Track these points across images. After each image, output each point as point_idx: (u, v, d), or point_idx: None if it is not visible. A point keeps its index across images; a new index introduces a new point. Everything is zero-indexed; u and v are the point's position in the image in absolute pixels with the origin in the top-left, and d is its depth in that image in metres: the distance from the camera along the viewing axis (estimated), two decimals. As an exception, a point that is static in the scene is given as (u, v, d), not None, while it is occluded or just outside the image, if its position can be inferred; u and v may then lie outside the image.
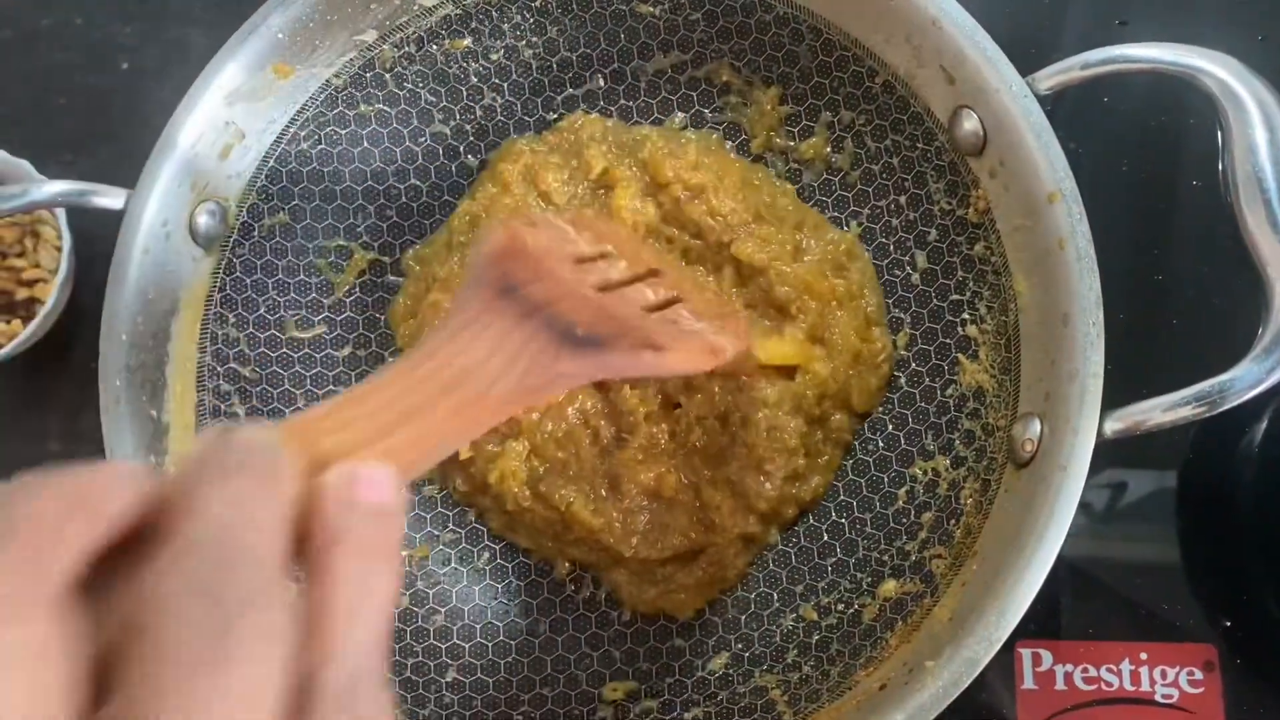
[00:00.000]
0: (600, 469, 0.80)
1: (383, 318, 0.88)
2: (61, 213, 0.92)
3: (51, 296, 0.91)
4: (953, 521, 0.80)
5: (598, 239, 0.66)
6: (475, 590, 0.86)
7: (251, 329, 0.84)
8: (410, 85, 0.87)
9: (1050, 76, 0.77)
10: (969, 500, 0.77)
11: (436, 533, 0.87)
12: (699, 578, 0.80)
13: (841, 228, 0.87)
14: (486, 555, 0.87)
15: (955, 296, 0.81)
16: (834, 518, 0.84)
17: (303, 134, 0.85)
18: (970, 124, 0.80)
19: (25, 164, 0.93)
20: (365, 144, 0.88)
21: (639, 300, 0.63)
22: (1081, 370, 0.71)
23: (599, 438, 0.81)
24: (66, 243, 0.92)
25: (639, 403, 0.84)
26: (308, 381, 0.87)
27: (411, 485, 0.88)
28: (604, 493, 0.79)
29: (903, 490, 0.81)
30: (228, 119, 0.85)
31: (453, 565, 0.87)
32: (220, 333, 0.83)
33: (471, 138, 0.89)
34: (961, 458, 0.79)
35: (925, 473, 0.81)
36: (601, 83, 0.89)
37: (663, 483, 0.79)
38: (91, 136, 1.01)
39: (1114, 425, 0.70)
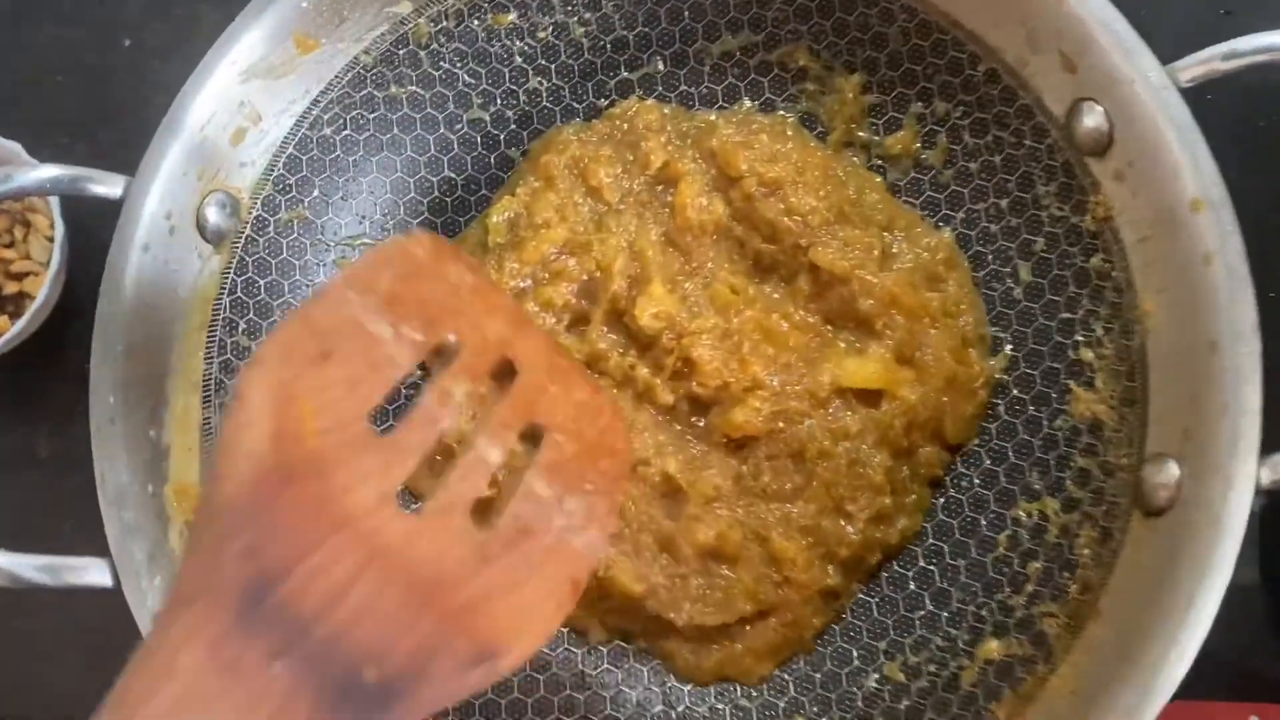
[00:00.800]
0: (647, 524, 0.73)
1: None
2: (55, 201, 0.85)
3: (42, 291, 0.84)
4: (1065, 574, 0.71)
5: (426, 309, 0.52)
6: None
7: (264, 336, 0.76)
8: (447, 65, 0.80)
9: (1191, 67, 0.67)
10: (1085, 551, 0.70)
11: None
12: (770, 640, 0.73)
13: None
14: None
15: (1066, 315, 0.73)
16: (922, 564, 0.76)
17: (326, 117, 0.78)
18: (1093, 119, 0.70)
19: (16, 146, 0.87)
20: (395, 130, 0.81)
21: (472, 489, 0.50)
22: (1233, 406, 0.61)
23: (646, 489, 0.74)
24: (59, 233, 0.85)
25: (707, 447, 0.75)
26: None
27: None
28: (649, 554, 0.72)
29: (1003, 535, 0.74)
30: (242, 98, 0.75)
31: None
32: (230, 341, 0.75)
33: (513, 125, 0.82)
34: (1074, 500, 0.71)
35: (1030, 516, 0.73)
36: (661, 66, 0.82)
37: (725, 542, 0.72)
38: (90, 118, 0.94)
39: (1272, 474, 0.60)
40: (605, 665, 0.77)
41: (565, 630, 0.79)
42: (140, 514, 0.68)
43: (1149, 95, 0.68)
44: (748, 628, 0.73)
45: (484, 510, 0.51)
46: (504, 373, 0.55)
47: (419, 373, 0.63)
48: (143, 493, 0.70)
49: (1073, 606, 0.69)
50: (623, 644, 0.77)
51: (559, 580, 0.50)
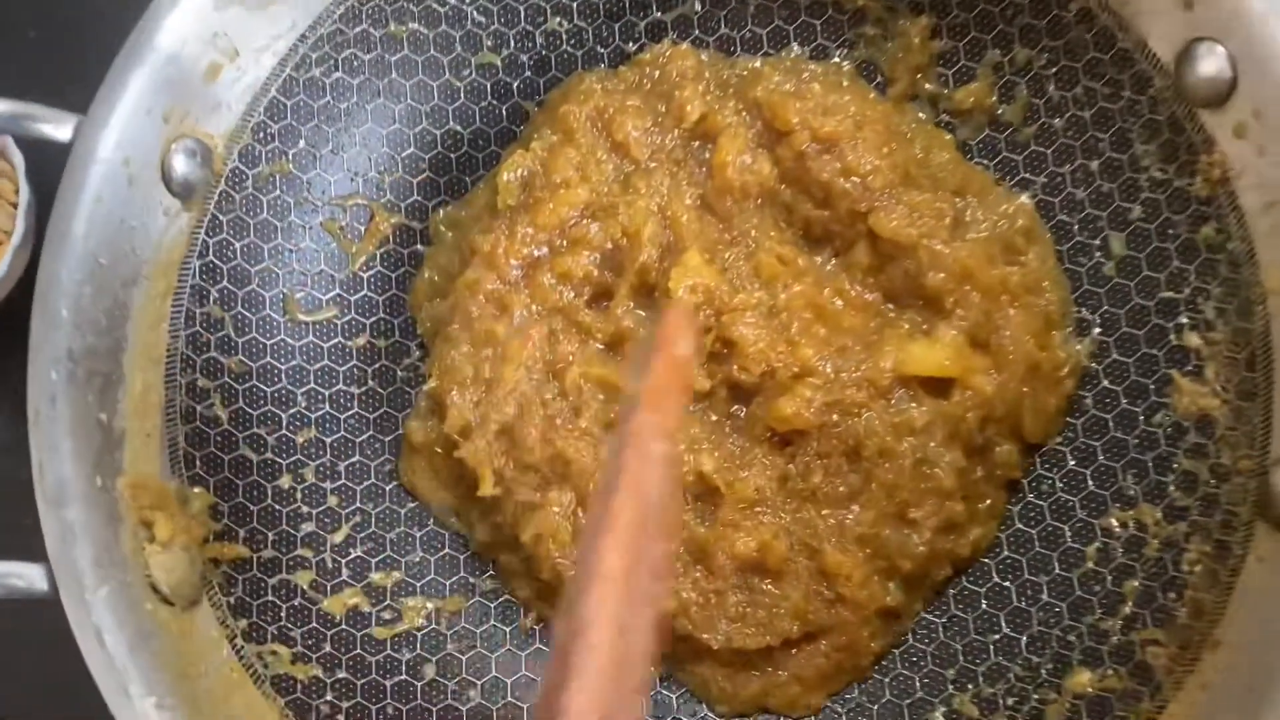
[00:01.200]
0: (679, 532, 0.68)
1: (408, 298, 0.76)
2: (20, 163, 0.77)
3: (3, 262, 0.76)
4: (1171, 595, 0.63)
5: None
6: (521, 658, 0.71)
7: (240, 308, 0.71)
8: (454, 0, 0.74)
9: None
10: (1195, 568, 0.63)
11: (472, 579, 0.73)
12: (820, 667, 0.68)
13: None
14: (536, 612, 0.73)
15: (1167, 294, 0.67)
16: (996, 580, 0.70)
17: (314, 56, 0.72)
18: (1211, 64, 0.62)
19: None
20: (394, 74, 0.75)
21: None
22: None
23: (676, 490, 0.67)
24: (24, 199, 0.77)
25: (748, 442, 0.69)
26: (311, 378, 0.73)
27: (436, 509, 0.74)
28: (680, 566, 0.68)
29: (1092, 548, 0.67)
30: (217, 29, 0.67)
31: (492, 623, 0.73)
32: (200, 312, 0.69)
33: (529, 72, 0.77)
34: (1180, 509, 0.64)
35: (1124, 526, 0.67)
36: (698, 5, 0.76)
37: (768, 553, 0.67)
38: (39, 51, 0.85)
39: None
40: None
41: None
42: (86, 512, 0.61)
43: (1285, 33, 0.58)
44: (794, 652, 0.68)
45: None
46: None
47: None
48: (89, 487, 0.61)
49: (1182, 634, 0.61)
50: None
51: None
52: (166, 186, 0.66)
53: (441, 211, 0.76)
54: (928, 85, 0.74)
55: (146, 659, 0.60)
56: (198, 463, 0.68)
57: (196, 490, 0.67)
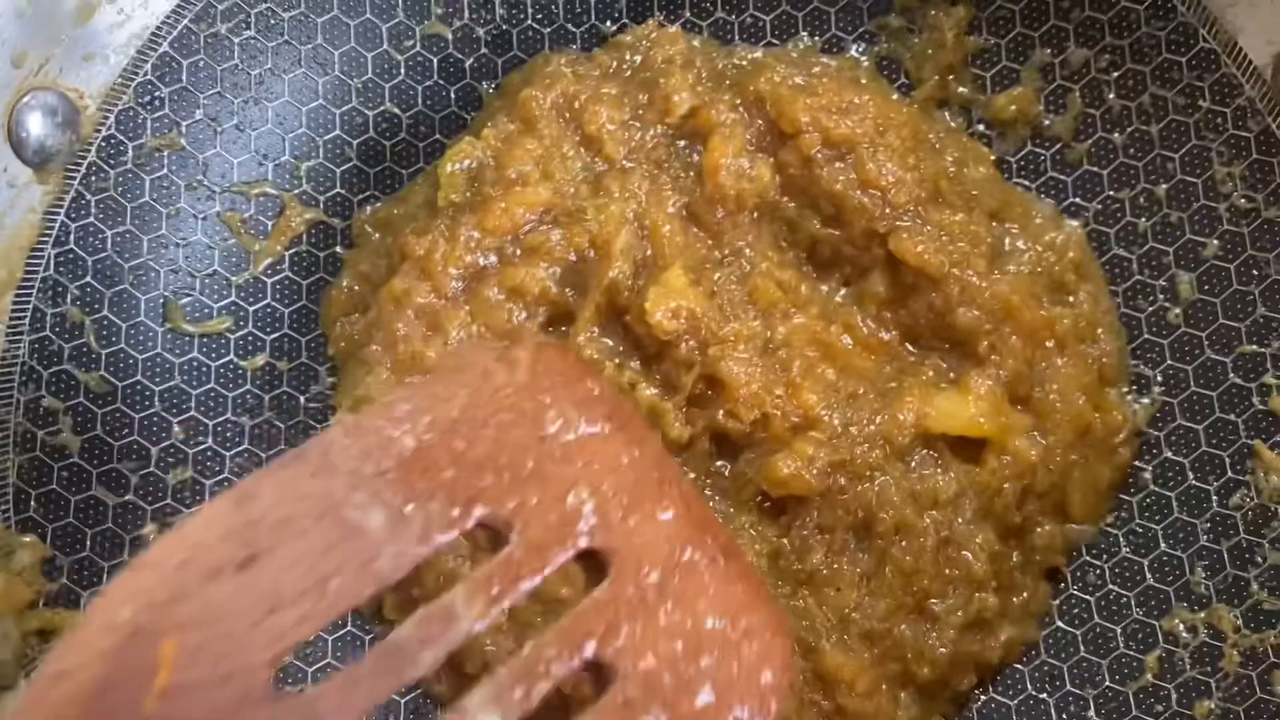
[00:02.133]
0: None
1: (321, 311, 0.71)
2: None
3: None
4: None
5: (477, 475, 0.42)
6: None
7: (107, 311, 0.65)
8: None
9: None
10: None
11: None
12: None
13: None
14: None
15: (1249, 347, 0.62)
16: (1031, 691, 0.64)
17: (221, 8, 0.67)
18: None
19: None
20: (320, 39, 0.69)
21: None
22: None
23: None
24: None
25: (733, 507, 0.64)
26: (192, 404, 0.67)
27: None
28: None
29: (1152, 656, 0.62)
30: None
31: None
32: (52, 313, 0.63)
33: (485, 49, 0.71)
34: (1266, 613, 0.60)
35: (1194, 631, 0.62)
36: None
37: None
38: None
39: None
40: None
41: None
42: None
43: None
44: None
45: None
46: (591, 568, 0.44)
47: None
48: None
49: None
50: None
51: None
52: (15, 150, 0.61)
53: (369, 209, 0.71)
54: (961, 89, 0.70)
55: None
56: (32, 503, 0.62)
57: (27, 539, 0.61)
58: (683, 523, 0.46)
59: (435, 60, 0.70)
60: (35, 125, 0.61)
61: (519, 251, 0.65)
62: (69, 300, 0.63)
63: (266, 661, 0.37)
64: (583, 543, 0.43)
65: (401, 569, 0.40)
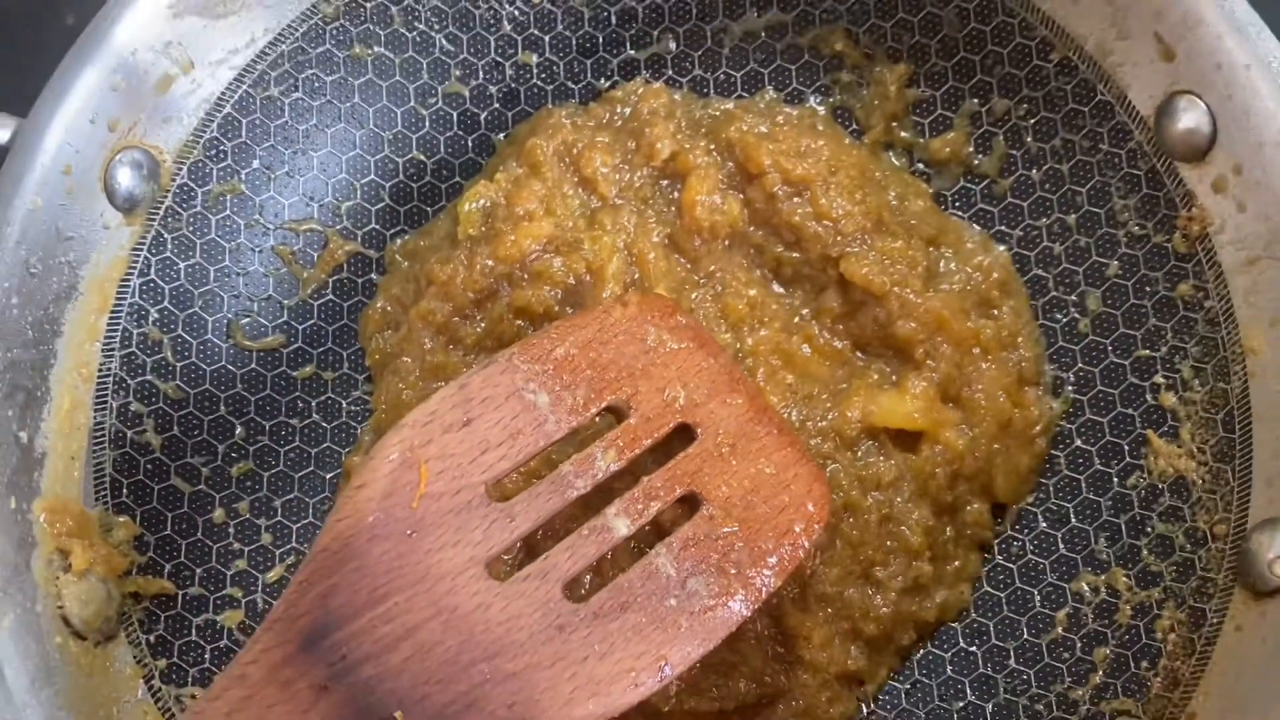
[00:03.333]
0: None
1: (359, 328, 0.74)
2: None
3: None
4: (1144, 665, 0.61)
5: (602, 373, 0.57)
6: None
7: (181, 331, 0.69)
8: (423, 26, 0.73)
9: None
10: (1170, 636, 0.60)
11: None
12: None
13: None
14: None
15: (1143, 352, 0.65)
16: (962, 645, 0.67)
17: (274, 74, 0.70)
18: (1191, 117, 0.61)
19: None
20: (357, 98, 0.73)
21: (577, 562, 0.54)
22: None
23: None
24: None
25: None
26: (252, 408, 0.70)
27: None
28: None
29: (1062, 613, 0.66)
30: (171, 38, 0.65)
31: None
32: (138, 332, 0.67)
33: (496, 104, 0.75)
34: (1153, 574, 0.63)
35: (1096, 591, 0.65)
36: (673, 45, 0.74)
37: None
38: None
39: None
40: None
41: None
42: (-4, 533, 0.57)
43: (1268, 85, 0.57)
44: (753, 715, 0.64)
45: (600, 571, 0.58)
46: (682, 437, 0.58)
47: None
48: (1, 507, 0.57)
49: (1157, 705, 0.59)
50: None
51: (643, 660, 0.52)
52: (109, 199, 0.64)
53: (399, 241, 0.74)
54: (903, 133, 0.73)
55: (49, 696, 0.56)
56: (125, 490, 0.65)
57: (121, 519, 0.64)
58: (747, 407, 0.59)
59: (455, 114, 0.74)
60: (125, 178, 0.64)
61: (526, 276, 0.68)
62: (150, 322, 0.66)
63: (482, 481, 0.53)
64: (678, 418, 0.57)
65: (561, 431, 0.55)
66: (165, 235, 0.67)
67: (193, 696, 0.63)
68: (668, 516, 0.57)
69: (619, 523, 0.55)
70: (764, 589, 0.55)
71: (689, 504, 0.56)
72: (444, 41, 0.73)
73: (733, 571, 0.55)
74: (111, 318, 0.65)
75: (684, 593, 0.53)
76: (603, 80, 0.75)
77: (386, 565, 0.50)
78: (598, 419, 0.57)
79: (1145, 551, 0.63)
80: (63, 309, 0.62)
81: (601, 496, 0.56)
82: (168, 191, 0.67)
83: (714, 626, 0.53)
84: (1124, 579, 0.63)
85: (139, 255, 0.66)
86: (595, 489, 0.55)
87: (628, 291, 0.65)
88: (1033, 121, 0.69)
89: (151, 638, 0.63)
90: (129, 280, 0.66)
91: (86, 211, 0.63)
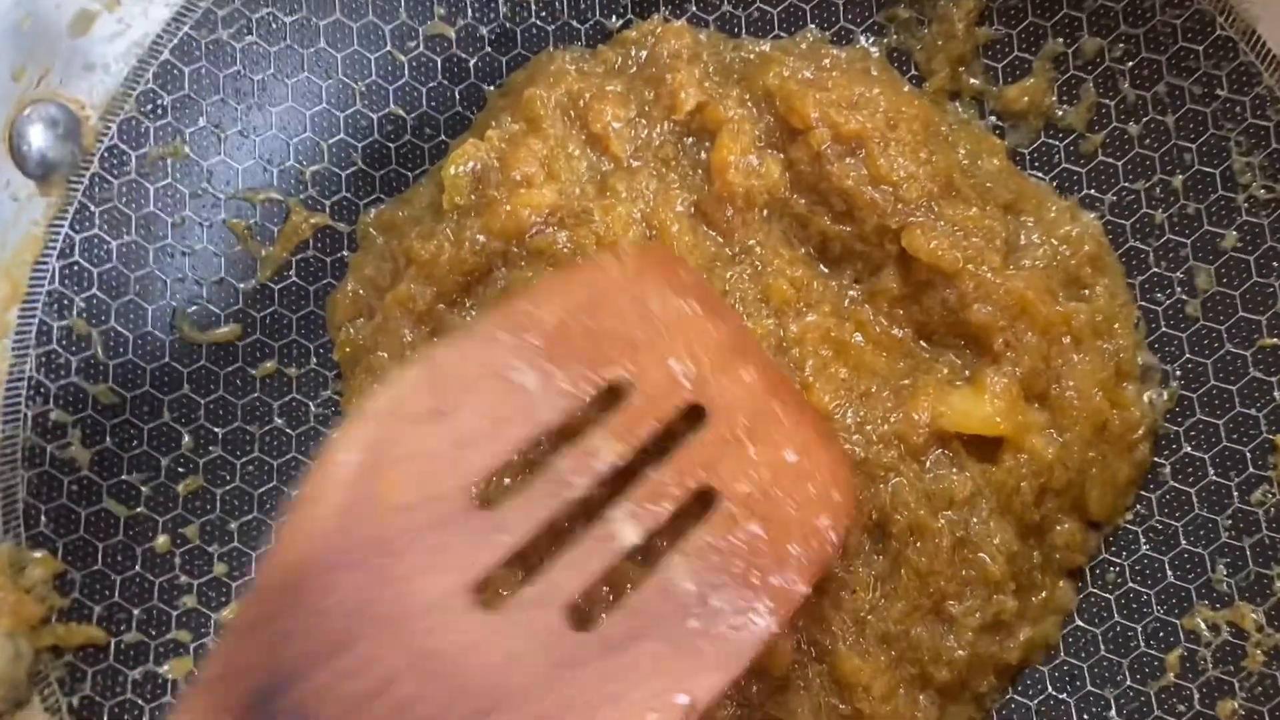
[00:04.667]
0: None
1: (327, 315, 0.70)
2: None
3: None
4: None
5: (600, 345, 0.52)
6: None
7: (114, 323, 0.64)
8: None
9: None
10: None
11: None
12: None
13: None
14: None
15: (1269, 340, 0.61)
16: (1051, 691, 0.62)
17: (221, 14, 0.66)
18: None
19: None
20: (322, 43, 0.68)
21: (580, 580, 0.48)
22: None
23: None
24: None
25: None
26: (202, 413, 0.66)
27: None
28: None
29: (1174, 655, 0.61)
30: None
31: None
32: (59, 326, 0.62)
33: (488, 47, 0.70)
34: None
35: (1215, 629, 0.60)
36: None
37: (771, 655, 0.58)
38: None
39: None
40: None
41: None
42: None
43: None
44: None
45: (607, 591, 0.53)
46: (692, 419, 0.53)
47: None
48: None
49: None
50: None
51: (662, 700, 0.47)
52: (17, 164, 0.60)
53: (373, 211, 0.69)
54: (972, 80, 0.68)
55: None
56: (42, 519, 0.61)
57: (38, 555, 0.60)
58: (763, 381, 0.55)
59: (439, 60, 0.69)
60: (37, 138, 0.60)
61: (525, 254, 0.64)
62: (75, 313, 0.62)
63: (461, 486, 0.47)
64: (688, 396, 0.52)
65: (554, 416, 0.49)
66: (91, 208, 0.63)
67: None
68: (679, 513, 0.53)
69: (626, 528, 0.49)
70: (794, 598, 0.50)
71: (703, 500, 0.52)
72: (426, -28, 0.68)
73: (757, 581, 0.50)
74: (24, 310, 0.61)
75: (706, 610, 0.49)
76: (614, 18, 0.70)
77: (346, 603, 0.44)
78: (593, 399, 0.52)
79: (1279, 583, 0.59)
80: (-42, 299, 0.57)
81: (603, 493, 0.51)
82: (93, 155, 0.63)
83: (741, 649, 0.49)
84: (1252, 616, 0.59)
85: (58, 232, 0.62)
86: (596, 486, 0.50)
87: (620, 246, 0.61)
88: (1131, 65, 0.65)
89: (75, 700, 0.59)
90: (45, 263, 0.62)
91: (-11, 179, 0.58)
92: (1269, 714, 0.57)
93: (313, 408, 0.67)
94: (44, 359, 0.61)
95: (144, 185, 0.64)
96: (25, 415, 0.60)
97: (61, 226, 0.62)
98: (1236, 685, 0.58)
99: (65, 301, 0.62)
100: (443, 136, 0.70)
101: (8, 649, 0.54)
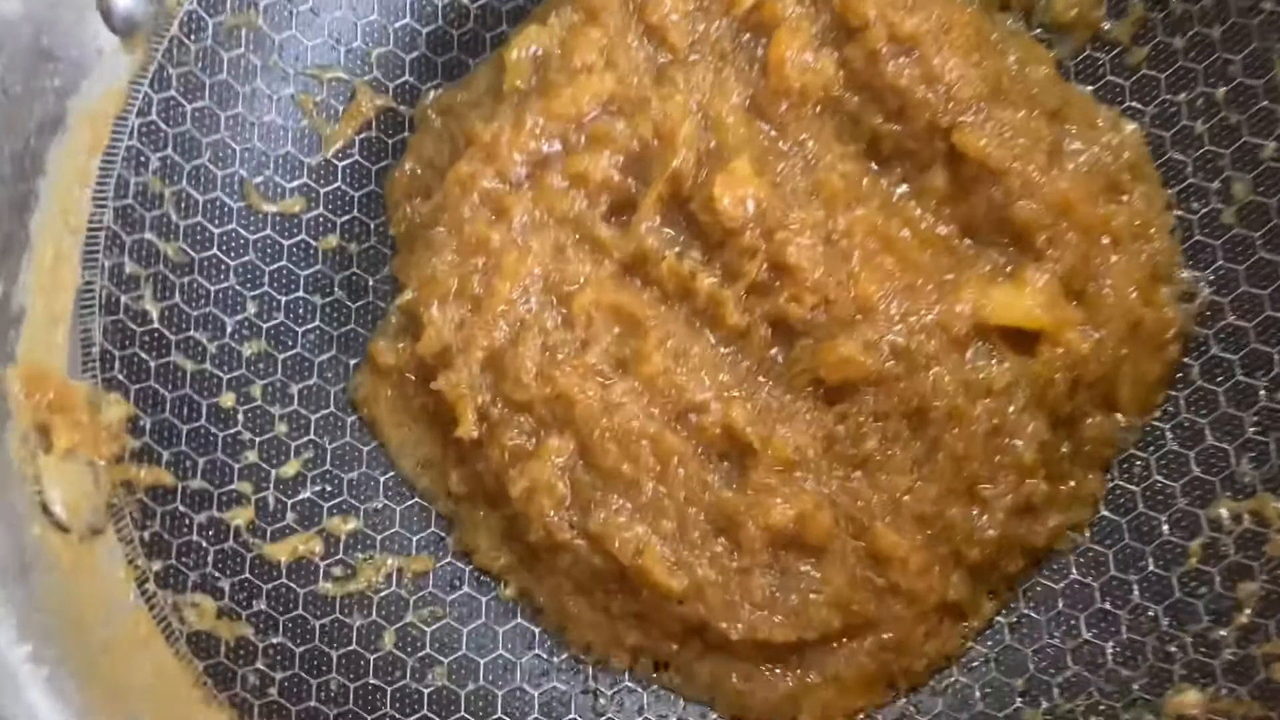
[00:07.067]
0: (700, 497, 0.61)
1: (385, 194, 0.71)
2: None
3: None
4: None
5: None
6: (498, 635, 0.64)
7: (186, 184, 0.64)
8: None
9: None
10: None
11: (444, 536, 0.65)
12: (863, 669, 0.61)
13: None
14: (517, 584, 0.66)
15: None
16: (1076, 576, 0.63)
17: None
18: None
19: None
20: None
21: None
22: None
23: (700, 445, 0.61)
24: None
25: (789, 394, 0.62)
26: (266, 280, 0.66)
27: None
28: (698, 536, 0.60)
29: (1196, 542, 0.61)
30: None
31: (465, 590, 0.65)
32: (135, 181, 0.62)
33: None
34: None
35: (1238, 518, 0.60)
36: None
37: (809, 525, 0.59)
38: None
39: None
40: (624, 685, 0.63)
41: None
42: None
43: None
44: (834, 647, 0.61)
45: None
46: None
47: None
48: None
49: None
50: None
51: None
52: (104, 17, 0.60)
53: (432, 95, 0.69)
54: None
55: (24, 595, 0.51)
56: (117, 363, 0.61)
57: (113, 397, 0.60)
58: None
59: None
60: None
61: (584, 139, 0.64)
62: (150, 170, 0.63)
63: None
64: None
65: None
66: (170, 70, 0.63)
67: (194, 605, 0.59)
68: None
69: None
70: None
71: None
72: None
73: None
74: (105, 161, 0.61)
75: None
76: (677, -85, 0.69)
77: None
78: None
79: (1301, 475, 0.57)
80: (46, 143, 0.58)
81: None
82: (173, 18, 0.64)
83: None
84: (1274, 505, 0.59)
85: (139, 90, 0.63)
86: None
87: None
88: (1180, -26, 0.63)
89: (146, 535, 0.59)
90: (126, 119, 0.62)
91: (76, 30, 0.59)
92: (1287, 593, 0.57)
93: (372, 283, 0.67)
94: (121, 212, 0.62)
95: (219, 53, 0.65)
96: (103, 264, 0.61)
97: (142, 85, 0.62)
98: (1257, 569, 0.58)
99: (142, 159, 0.62)
100: (504, 26, 0.70)
101: (87, 476, 0.55)
